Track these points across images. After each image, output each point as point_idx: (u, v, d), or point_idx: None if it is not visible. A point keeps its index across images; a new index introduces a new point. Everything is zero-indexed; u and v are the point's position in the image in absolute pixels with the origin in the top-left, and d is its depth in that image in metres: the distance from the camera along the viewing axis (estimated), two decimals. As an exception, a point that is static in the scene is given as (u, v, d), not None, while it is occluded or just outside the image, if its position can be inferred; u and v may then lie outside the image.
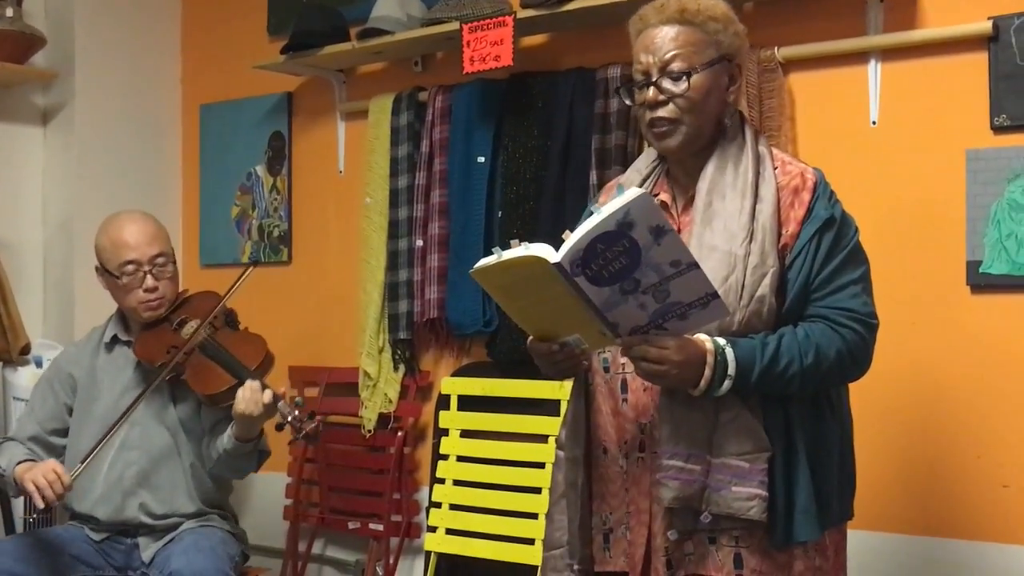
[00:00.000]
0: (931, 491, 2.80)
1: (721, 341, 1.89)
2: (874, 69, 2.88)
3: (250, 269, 3.03)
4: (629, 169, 2.21)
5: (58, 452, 3.00)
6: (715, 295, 1.82)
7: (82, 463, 2.78)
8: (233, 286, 3.00)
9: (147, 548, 2.90)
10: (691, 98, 1.99)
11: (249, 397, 2.73)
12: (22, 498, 3.56)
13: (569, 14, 3.18)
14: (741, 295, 1.92)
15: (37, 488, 2.70)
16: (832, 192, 2.01)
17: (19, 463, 2.85)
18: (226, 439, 2.83)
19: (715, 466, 1.91)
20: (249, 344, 2.96)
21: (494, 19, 3.24)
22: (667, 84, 2.00)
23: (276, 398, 2.76)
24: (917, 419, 2.82)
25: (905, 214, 2.83)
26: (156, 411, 2.93)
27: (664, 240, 1.75)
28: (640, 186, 2.12)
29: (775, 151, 2.07)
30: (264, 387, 2.76)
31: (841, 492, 2.03)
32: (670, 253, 1.77)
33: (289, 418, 2.75)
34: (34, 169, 4.21)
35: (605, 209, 1.73)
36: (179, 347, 2.88)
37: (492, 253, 1.84)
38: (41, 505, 2.71)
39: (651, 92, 2.02)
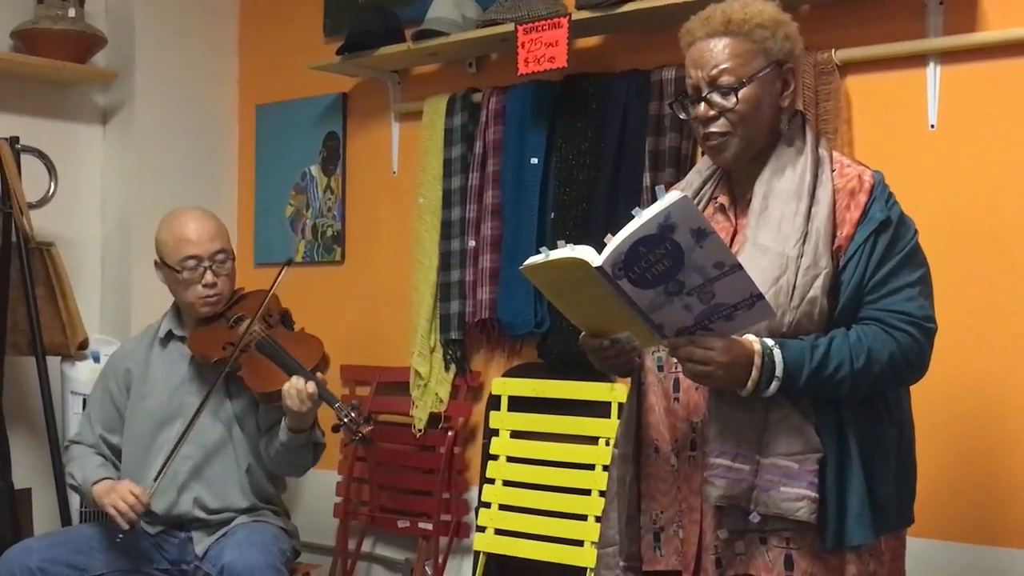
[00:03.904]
0: (993, 499, 2.76)
1: (769, 342, 1.88)
2: (933, 72, 2.85)
3: (285, 269, 3.04)
4: (691, 171, 2.21)
5: (119, 451, 3.05)
6: (760, 296, 1.81)
7: (155, 480, 2.86)
8: (275, 281, 3.02)
9: (200, 542, 2.93)
10: (741, 111, 1.98)
11: (295, 394, 2.77)
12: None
13: (624, 16, 3.17)
14: (792, 296, 1.90)
15: (119, 512, 2.79)
16: (891, 194, 1.98)
17: (95, 482, 2.91)
18: (281, 432, 2.86)
19: (764, 466, 1.90)
20: (305, 345, 2.98)
21: (549, 20, 3.24)
22: (717, 98, 1.99)
23: (320, 386, 2.80)
24: (979, 426, 2.78)
25: (965, 219, 2.79)
26: (211, 406, 2.95)
27: (706, 242, 1.75)
28: (701, 188, 2.13)
29: (835, 153, 2.05)
30: (308, 379, 2.79)
31: (899, 497, 2.00)
32: (713, 255, 1.76)
33: (346, 419, 2.78)
34: (93, 167, 4.27)
35: (646, 213, 1.73)
36: (235, 343, 2.91)
37: (540, 252, 1.85)
38: (125, 527, 2.80)
39: (702, 108, 2.01)
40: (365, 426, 2.79)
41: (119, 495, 2.81)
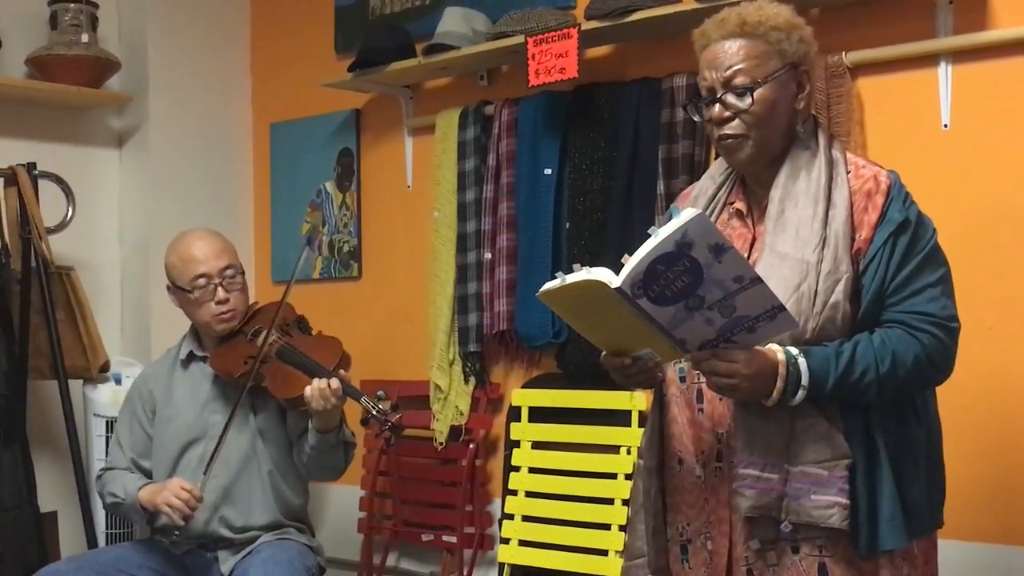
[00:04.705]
0: (1019, 499, 2.75)
1: (793, 351, 1.87)
2: (944, 72, 2.84)
3: (305, 251, 3.08)
4: (704, 177, 2.20)
5: (151, 475, 3.06)
6: (781, 308, 1.80)
7: (204, 474, 2.87)
8: (292, 274, 3.05)
9: (226, 561, 2.94)
10: (756, 112, 1.98)
11: (318, 394, 2.78)
12: (103, 513, 3.67)
13: (633, 25, 3.18)
14: (814, 302, 1.89)
15: (173, 508, 2.80)
16: (907, 194, 1.98)
17: (140, 488, 2.93)
18: (310, 435, 2.87)
19: (793, 474, 1.89)
20: (324, 346, 3.00)
21: (559, 32, 3.25)
22: (732, 100, 1.98)
23: (343, 382, 2.80)
24: (1003, 425, 2.77)
25: (979, 218, 2.79)
26: (236, 422, 2.96)
27: (725, 257, 1.74)
28: (715, 194, 2.13)
29: (849, 155, 2.05)
30: (330, 377, 2.80)
31: (930, 499, 1.98)
32: (732, 269, 1.76)
33: (374, 411, 2.78)
34: (110, 190, 4.30)
35: (662, 231, 1.72)
36: (255, 356, 2.93)
37: (555, 277, 1.84)
38: (181, 523, 2.81)
39: (716, 109, 2.00)
40: (394, 414, 2.79)
41: (171, 492, 2.82)
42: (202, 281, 2.98)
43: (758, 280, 1.77)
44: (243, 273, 3.07)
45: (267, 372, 2.93)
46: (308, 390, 2.79)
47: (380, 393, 2.86)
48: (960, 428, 2.64)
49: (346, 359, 2.98)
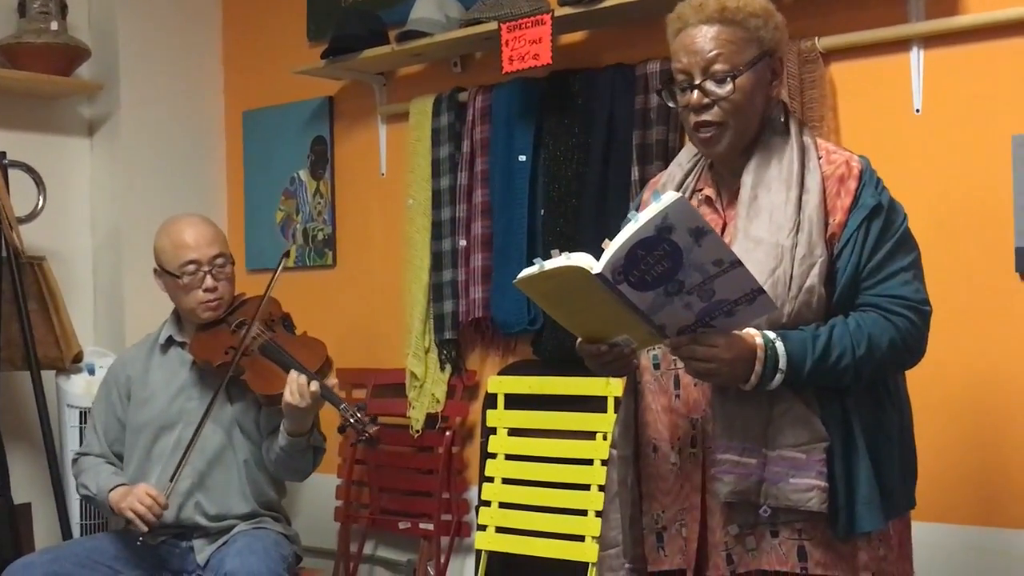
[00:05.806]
0: (989, 481, 2.77)
1: (771, 335, 1.87)
2: (916, 56, 2.86)
3: (284, 257, 3.13)
4: (671, 164, 2.19)
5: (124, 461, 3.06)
6: (760, 291, 1.81)
7: (171, 481, 2.86)
8: (276, 272, 3.04)
9: (202, 551, 2.94)
10: (736, 100, 1.96)
11: (295, 388, 2.77)
12: (78, 502, 3.65)
13: (607, 11, 3.17)
14: (790, 287, 1.90)
15: (138, 516, 2.80)
16: (879, 179, 1.98)
17: (112, 489, 2.92)
18: (281, 436, 2.86)
19: (771, 459, 1.89)
20: (308, 347, 3.00)
21: (532, 18, 3.24)
22: (711, 87, 1.97)
23: (323, 387, 2.80)
24: (971, 408, 2.79)
25: (951, 202, 2.81)
26: (212, 411, 2.95)
27: (705, 241, 1.74)
28: (683, 181, 2.12)
29: (819, 140, 2.05)
30: (311, 379, 2.79)
31: (904, 481, 2.00)
32: (712, 253, 1.75)
33: (352, 420, 2.78)
34: (82, 179, 4.27)
35: (643, 216, 1.72)
36: (237, 347, 2.92)
37: (533, 263, 1.83)
38: (145, 530, 2.81)
39: (695, 96, 1.98)
40: (371, 426, 2.79)
41: (136, 498, 2.82)
42: (191, 267, 2.97)
43: (738, 263, 1.77)
44: (233, 263, 3.07)
45: (248, 366, 2.92)
46: (287, 385, 2.78)
47: (360, 404, 2.87)
48: (933, 411, 2.67)
49: (329, 363, 2.99)
